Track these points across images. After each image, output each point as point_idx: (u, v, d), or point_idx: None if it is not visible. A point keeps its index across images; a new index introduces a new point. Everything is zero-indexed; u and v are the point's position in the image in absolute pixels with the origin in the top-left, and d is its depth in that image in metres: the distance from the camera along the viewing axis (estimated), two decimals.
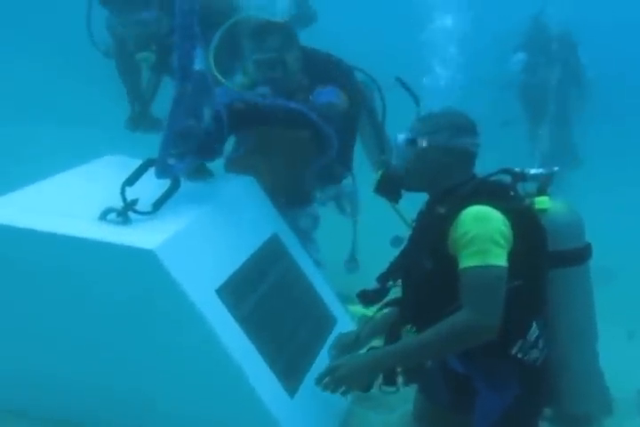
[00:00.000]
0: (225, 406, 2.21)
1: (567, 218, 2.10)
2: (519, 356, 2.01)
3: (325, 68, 3.03)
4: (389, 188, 2.26)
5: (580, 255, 2.11)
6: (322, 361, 2.53)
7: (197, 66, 2.37)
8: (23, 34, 8.05)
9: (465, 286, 1.91)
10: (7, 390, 2.39)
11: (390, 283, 2.20)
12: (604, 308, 4.19)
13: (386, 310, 2.32)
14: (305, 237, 3.14)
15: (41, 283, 2.22)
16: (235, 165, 3.16)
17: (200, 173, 2.73)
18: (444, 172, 2.08)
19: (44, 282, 2.22)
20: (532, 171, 2.14)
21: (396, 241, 2.29)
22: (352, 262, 3.16)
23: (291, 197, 3.10)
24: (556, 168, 2.15)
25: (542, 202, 2.08)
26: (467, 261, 1.91)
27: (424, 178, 2.12)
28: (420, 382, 2.39)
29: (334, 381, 1.98)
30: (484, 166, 2.17)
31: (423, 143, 2.07)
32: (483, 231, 1.90)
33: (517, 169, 2.13)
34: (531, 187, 2.17)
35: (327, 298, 2.95)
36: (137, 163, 2.44)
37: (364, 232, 3.22)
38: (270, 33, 2.90)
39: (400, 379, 2.14)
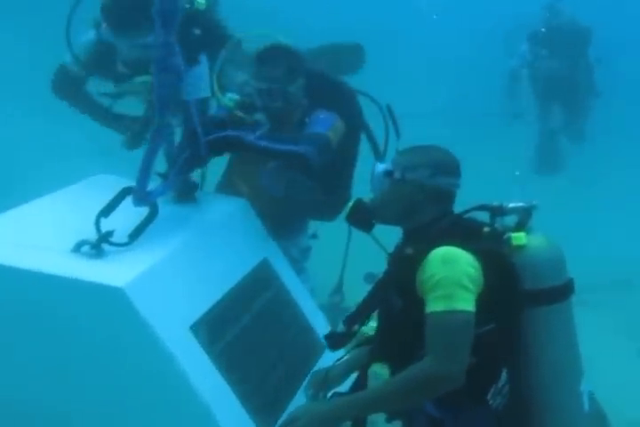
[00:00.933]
0: None
1: (546, 254, 1.99)
2: (490, 402, 1.93)
3: (327, 91, 2.95)
4: (360, 218, 2.18)
5: (562, 292, 2.00)
6: (303, 394, 2.49)
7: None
8: None
9: (429, 332, 1.84)
10: None
11: (356, 327, 2.13)
12: (617, 321, 4.10)
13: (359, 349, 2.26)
14: (295, 267, 3.06)
15: (9, 318, 2.19)
16: (223, 187, 3.11)
17: (186, 197, 2.68)
18: (416, 208, 2.00)
19: (11, 317, 2.19)
20: (511, 205, 2.03)
21: (369, 277, 2.21)
22: (337, 295, 3.08)
23: (277, 226, 2.99)
24: (535, 202, 2.03)
25: (519, 238, 1.96)
26: (432, 306, 1.83)
27: (395, 212, 2.04)
28: (403, 421, 2.35)
29: None
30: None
31: (398, 176, 2.00)
32: (449, 274, 1.82)
33: (495, 203, 2.03)
34: (510, 221, 2.05)
35: (317, 325, 2.89)
36: (126, 183, 2.38)
37: (358, 261, 3.12)
38: (276, 60, 2.80)
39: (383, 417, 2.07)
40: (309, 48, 3.36)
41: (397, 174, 2.00)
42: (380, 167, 2.03)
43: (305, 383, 2.31)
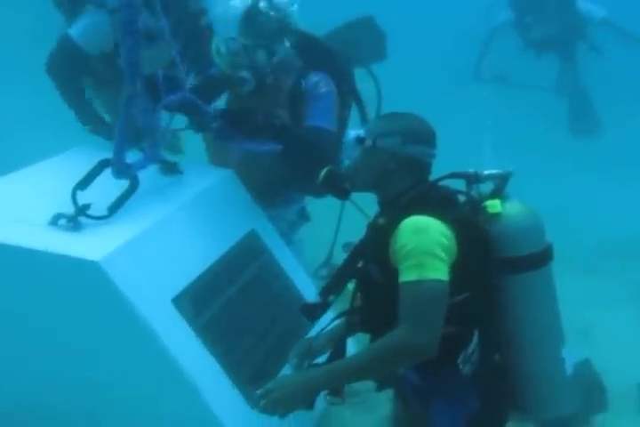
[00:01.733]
0: (179, 421, 2.15)
1: (522, 222, 1.94)
2: (460, 367, 1.92)
3: (320, 55, 2.90)
4: (334, 185, 2.13)
5: (541, 259, 1.96)
6: None
7: None
8: None
9: (402, 302, 1.80)
10: None
11: (332, 297, 2.09)
12: (623, 288, 4.05)
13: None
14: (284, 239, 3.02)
15: None
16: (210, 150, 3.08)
17: (170, 170, 2.63)
18: (387, 177, 1.95)
19: None
20: (486, 172, 1.97)
21: (346, 247, 2.17)
22: (324, 268, 3.02)
23: (263, 197, 2.93)
24: (510, 169, 1.98)
25: (493, 206, 1.92)
26: (404, 276, 1.80)
27: (367, 180, 1.99)
28: (393, 388, 2.33)
29: (270, 404, 1.89)
30: None
31: (370, 144, 1.94)
32: (421, 244, 1.78)
33: (471, 171, 1.98)
34: (487, 188, 2.00)
35: (308, 295, 2.84)
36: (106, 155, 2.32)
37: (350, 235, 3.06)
38: (262, 18, 2.72)
39: (372, 384, 2.04)
40: (327, 33, 3.29)
41: (369, 142, 1.94)
42: (352, 134, 1.97)
43: (290, 353, 2.29)
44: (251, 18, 2.72)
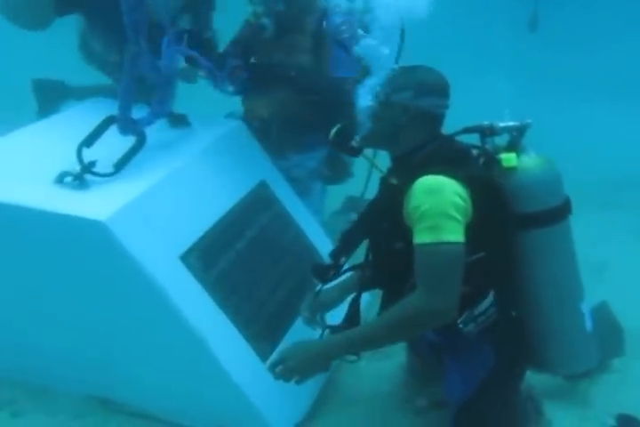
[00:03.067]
0: (190, 377, 2.17)
1: (539, 176, 1.89)
2: (460, 326, 1.91)
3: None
4: (345, 142, 2.07)
5: (559, 213, 1.93)
6: None
7: None
8: None
9: (418, 265, 1.78)
10: None
11: (343, 259, 2.07)
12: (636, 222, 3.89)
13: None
14: (299, 186, 2.96)
15: None
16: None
17: (178, 122, 2.57)
18: (400, 132, 1.90)
19: None
20: (502, 124, 1.92)
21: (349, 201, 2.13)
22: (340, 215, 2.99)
23: (288, 139, 2.89)
24: (529, 120, 1.91)
25: (509, 159, 1.87)
26: (419, 237, 1.77)
27: (380, 136, 1.95)
28: (408, 345, 2.35)
29: (286, 371, 1.91)
30: None
31: (383, 99, 1.89)
32: (435, 205, 1.74)
33: (485, 123, 1.92)
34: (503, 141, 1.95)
35: (321, 245, 2.82)
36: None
37: None
38: None
39: None
40: None
41: (382, 97, 1.89)
42: (363, 89, 1.91)
43: (301, 306, 2.29)
44: None
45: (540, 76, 5.72)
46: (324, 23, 2.73)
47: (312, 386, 2.41)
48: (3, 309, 2.27)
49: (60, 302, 2.18)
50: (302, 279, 2.61)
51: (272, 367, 1.94)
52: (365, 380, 2.61)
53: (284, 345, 2.31)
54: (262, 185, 2.68)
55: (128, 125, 2.26)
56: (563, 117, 5.13)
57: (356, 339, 1.87)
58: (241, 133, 2.72)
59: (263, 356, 2.28)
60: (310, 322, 2.26)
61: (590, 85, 5.72)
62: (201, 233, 2.29)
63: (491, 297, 1.92)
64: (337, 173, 3.13)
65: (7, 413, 2.30)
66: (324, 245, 2.84)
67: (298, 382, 1.93)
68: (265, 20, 2.73)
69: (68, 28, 3.08)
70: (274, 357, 1.95)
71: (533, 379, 2.28)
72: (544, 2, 6.26)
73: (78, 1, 2.87)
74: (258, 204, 2.62)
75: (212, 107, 2.98)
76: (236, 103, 3.03)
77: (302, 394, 2.36)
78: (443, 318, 1.78)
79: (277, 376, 1.93)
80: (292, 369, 1.90)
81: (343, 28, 2.69)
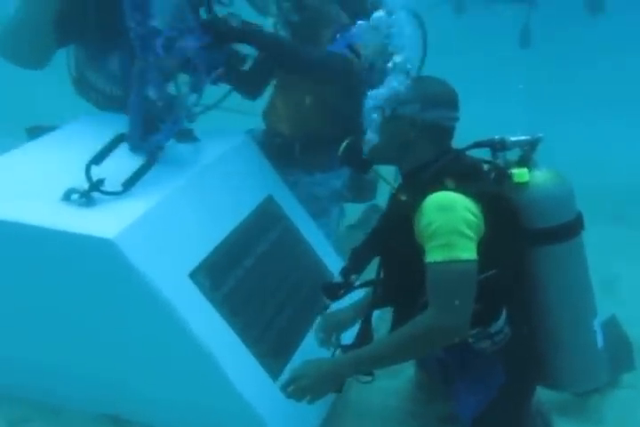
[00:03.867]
0: (200, 396, 2.15)
1: (551, 191, 1.88)
2: (470, 340, 1.89)
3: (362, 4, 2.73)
4: (354, 158, 2.06)
5: (571, 229, 1.91)
6: (312, 337, 2.43)
7: None
8: None
9: (430, 283, 1.76)
10: None
11: (354, 277, 2.05)
12: None
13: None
14: (317, 206, 2.93)
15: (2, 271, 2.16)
16: (267, 115, 2.99)
17: (185, 137, 2.55)
18: (409, 147, 1.88)
19: (4, 270, 2.15)
20: (513, 138, 1.90)
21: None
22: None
23: (314, 157, 2.83)
24: (540, 134, 1.90)
25: (521, 175, 1.85)
26: (431, 256, 1.75)
27: (388, 151, 1.92)
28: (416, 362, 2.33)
29: (298, 391, 1.89)
30: None
31: (389, 113, 1.86)
32: (447, 222, 1.72)
33: (496, 137, 1.90)
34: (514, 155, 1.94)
35: (329, 260, 2.81)
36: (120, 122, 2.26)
37: None
38: None
39: None
40: None
41: (387, 111, 1.86)
42: (370, 103, 1.88)
43: (315, 327, 2.27)
44: None
45: (549, 90, 5.73)
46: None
47: (321, 403, 2.39)
48: (14, 328, 2.26)
49: (70, 321, 2.16)
50: (311, 296, 2.59)
51: (284, 387, 1.92)
52: (374, 395, 2.58)
53: (294, 363, 2.29)
54: (269, 200, 2.67)
55: (139, 144, 2.26)
56: (576, 130, 5.13)
57: (367, 357, 1.86)
58: (247, 148, 2.71)
59: (272, 373, 2.26)
60: (325, 343, 2.24)
61: (604, 98, 5.72)
62: (209, 250, 2.28)
63: (504, 315, 1.90)
64: (361, 193, 3.10)
65: None
66: (332, 261, 2.83)
67: (310, 402, 1.91)
68: (280, 29, 2.70)
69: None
70: (285, 376, 1.93)
71: (543, 395, 2.26)
72: (537, 18, 6.29)
73: (79, 30, 2.75)
74: (265, 219, 2.61)
75: (232, 123, 2.92)
76: (257, 120, 3.04)
77: (311, 411, 2.32)
78: (454, 336, 1.76)
79: (290, 396, 1.91)
80: (304, 388, 1.88)
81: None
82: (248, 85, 2.72)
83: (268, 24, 2.76)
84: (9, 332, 2.27)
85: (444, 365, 2.13)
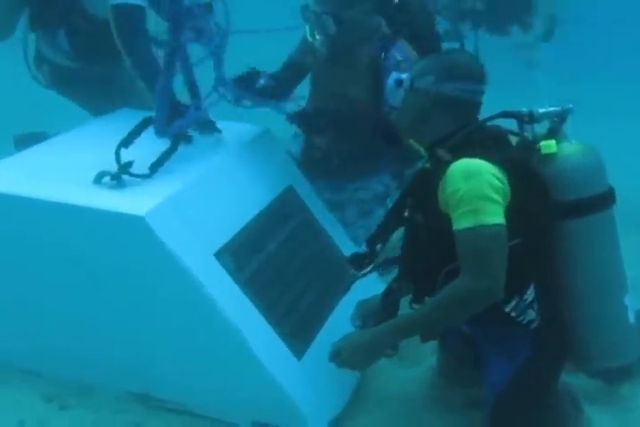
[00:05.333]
0: (227, 372, 2.18)
1: (581, 161, 1.86)
2: (513, 315, 1.89)
3: (401, 17, 2.74)
4: (386, 133, 2.10)
5: (601, 202, 1.90)
6: (335, 319, 2.49)
7: None
8: None
9: (461, 250, 1.77)
10: (22, 351, 2.45)
11: (379, 246, 2.08)
12: None
13: None
14: (364, 209, 2.97)
15: (32, 250, 2.21)
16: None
17: (208, 128, 2.62)
18: (426, 118, 1.89)
19: (35, 249, 2.20)
20: (542, 110, 1.90)
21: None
22: None
23: (359, 161, 2.82)
24: (570, 105, 1.90)
25: (548, 146, 1.85)
26: (459, 223, 1.76)
27: (408, 123, 1.94)
28: (439, 340, 2.33)
29: (343, 364, 1.93)
30: None
31: (407, 85, 1.90)
32: (473, 188, 1.72)
33: (524, 109, 1.91)
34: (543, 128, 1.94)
35: (346, 251, 2.84)
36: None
37: None
38: None
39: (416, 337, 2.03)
40: None
41: (407, 83, 1.90)
42: (392, 77, 1.94)
43: (351, 315, 2.29)
44: None
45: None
46: (382, 55, 2.67)
47: (345, 386, 2.43)
48: (47, 306, 2.30)
49: (101, 298, 2.21)
50: (330, 282, 2.65)
51: (330, 359, 1.95)
52: (396, 383, 2.60)
53: (317, 344, 2.33)
54: (290, 190, 2.73)
55: (164, 128, 2.32)
56: (605, 137, 5.11)
57: (406, 324, 1.88)
58: (268, 140, 2.78)
59: (297, 353, 2.29)
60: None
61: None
62: (233, 233, 2.33)
63: (532, 284, 1.92)
64: None
65: (56, 406, 2.36)
66: (348, 251, 2.86)
67: (359, 371, 1.97)
68: (317, 42, 2.69)
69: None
70: (330, 349, 1.96)
71: (573, 382, 2.26)
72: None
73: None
74: (286, 208, 2.66)
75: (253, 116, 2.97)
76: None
77: (335, 394, 2.38)
78: (490, 298, 1.76)
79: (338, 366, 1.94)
80: (348, 361, 1.91)
81: (403, 66, 2.60)
82: (275, 95, 2.74)
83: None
84: (43, 310, 2.32)
85: (466, 340, 2.14)
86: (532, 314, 1.91)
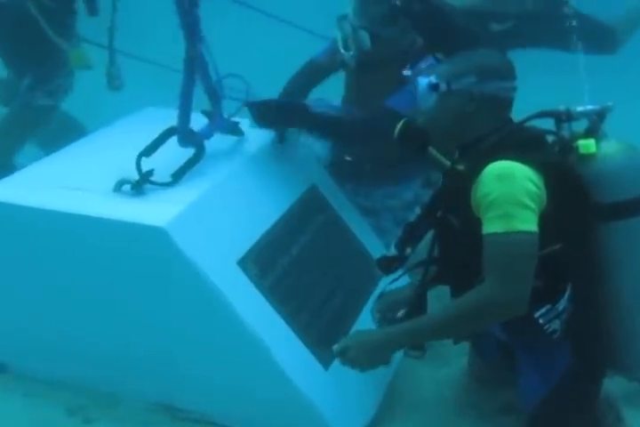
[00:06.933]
0: (251, 383, 2.15)
1: (622, 162, 1.77)
2: (541, 322, 1.81)
3: (442, 34, 2.56)
4: (412, 139, 2.01)
5: None
6: (362, 323, 2.43)
7: None
8: None
9: (488, 255, 1.70)
10: (46, 362, 2.44)
11: (408, 250, 2.01)
12: None
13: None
14: (395, 218, 2.90)
15: (51, 261, 2.19)
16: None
17: (232, 130, 2.56)
18: (467, 121, 1.82)
19: (56, 260, 2.18)
20: (580, 108, 1.82)
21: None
22: None
23: (388, 169, 2.75)
24: (610, 103, 1.81)
25: (587, 146, 1.76)
26: (489, 227, 1.68)
27: (447, 128, 1.86)
28: (471, 341, 2.27)
29: (347, 362, 1.86)
30: None
31: (444, 88, 1.81)
32: (507, 192, 1.65)
33: (562, 108, 1.82)
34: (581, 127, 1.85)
35: (374, 249, 2.78)
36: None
37: None
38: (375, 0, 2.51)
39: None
40: None
41: (443, 86, 1.81)
42: (424, 81, 1.84)
43: (371, 307, 2.24)
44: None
45: None
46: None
47: (374, 393, 2.38)
48: (69, 317, 2.29)
49: (123, 309, 2.18)
50: (357, 284, 2.59)
51: (336, 356, 1.90)
52: (427, 386, 2.55)
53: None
54: (313, 190, 2.67)
55: (188, 137, 2.28)
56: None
57: (421, 328, 1.81)
58: (289, 139, 2.70)
59: (323, 362, 2.24)
60: (382, 323, 2.20)
61: None
62: (256, 238, 2.28)
63: (568, 292, 1.84)
64: None
65: (80, 419, 2.34)
66: (376, 250, 2.80)
67: (361, 371, 1.87)
68: (347, 56, 2.62)
69: None
70: (336, 346, 1.90)
71: (610, 385, 2.15)
72: None
73: None
74: (310, 208, 2.60)
75: None
76: None
77: (365, 402, 2.33)
78: (513, 311, 1.70)
79: (342, 364, 1.88)
80: (353, 359, 1.84)
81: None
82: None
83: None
84: (64, 321, 2.30)
85: (506, 348, 2.07)
86: (557, 324, 1.84)
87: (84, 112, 3.87)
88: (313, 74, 2.83)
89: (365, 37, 2.53)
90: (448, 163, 1.99)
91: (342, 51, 2.62)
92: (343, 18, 2.61)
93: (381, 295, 2.24)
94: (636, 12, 3.58)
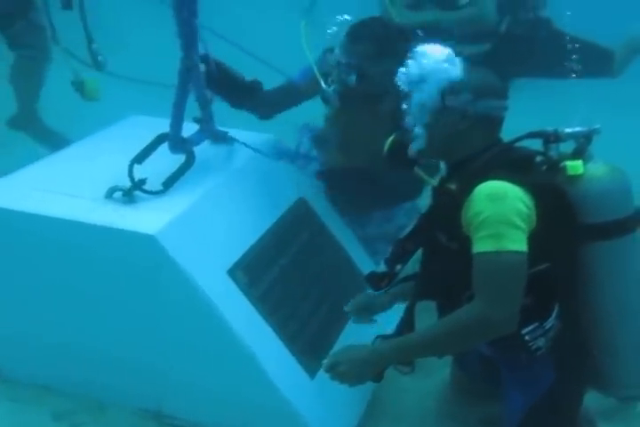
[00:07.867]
0: (239, 391, 2.16)
1: (606, 185, 1.80)
2: (526, 338, 1.83)
3: None
4: (401, 156, 2.03)
5: (627, 225, 1.83)
6: (348, 334, 2.46)
7: None
8: None
9: (478, 274, 1.72)
10: (32, 366, 2.43)
11: (398, 267, 2.03)
12: None
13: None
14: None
15: (40, 266, 2.19)
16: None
17: (221, 139, 2.59)
18: (460, 139, 1.83)
19: (44, 265, 2.19)
20: (568, 130, 1.84)
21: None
22: None
23: (372, 199, 2.76)
24: (597, 125, 1.84)
25: (575, 167, 1.78)
26: (480, 246, 1.70)
27: (439, 145, 1.87)
28: (454, 356, 2.30)
29: (337, 377, 1.87)
30: None
31: (437, 104, 1.83)
32: (497, 212, 1.67)
33: (550, 129, 1.84)
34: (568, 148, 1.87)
35: (361, 262, 2.82)
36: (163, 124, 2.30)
37: None
38: (364, 36, 2.48)
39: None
40: None
41: (437, 103, 1.82)
42: (415, 100, 1.86)
43: (347, 305, 2.26)
44: (355, 33, 2.48)
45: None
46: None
47: (358, 403, 2.40)
48: (57, 322, 2.29)
49: (112, 316, 2.19)
50: (344, 295, 2.58)
51: (324, 371, 1.91)
52: (410, 397, 2.57)
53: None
54: (303, 200, 2.70)
55: (179, 144, 2.30)
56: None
57: (410, 346, 1.82)
58: (279, 147, 2.76)
59: (310, 371, 2.26)
60: (357, 321, 2.25)
61: None
62: (246, 248, 2.31)
63: (556, 310, 1.87)
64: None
65: (66, 424, 2.34)
66: (364, 262, 2.84)
67: (350, 386, 1.89)
68: (329, 90, 2.53)
69: None
70: (326, 360, 1.92)
71: (589, 401, 2.17)
72: None
73: None
74: (298, 220, 2.64)
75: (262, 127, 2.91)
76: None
77: (349, 411, 2.35)
78: (502, 329, 1.72)
79: (331, 379, 1.90)
80: (343, 374, 1.85)
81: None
82: (261, 105, 2.67)
83: None
84: (52, 326, 2.30)
85: (488, 362, 2.10)
86: (542, 341, 1.86)
87: (64, 122, 3.89)
88: (290, 95, 2.75)
89: (352, 74, 2.50)
90: (434, 181, 2.02)
91: (323, 86, 2.56)
92: (329, 51, 2.58)
93: (357, 297, 2.27)
94: (636, 43, 3.62)
